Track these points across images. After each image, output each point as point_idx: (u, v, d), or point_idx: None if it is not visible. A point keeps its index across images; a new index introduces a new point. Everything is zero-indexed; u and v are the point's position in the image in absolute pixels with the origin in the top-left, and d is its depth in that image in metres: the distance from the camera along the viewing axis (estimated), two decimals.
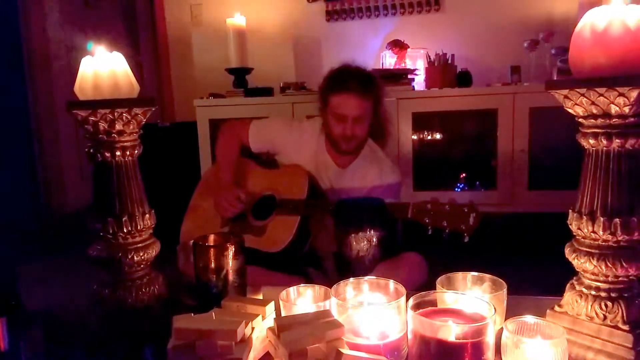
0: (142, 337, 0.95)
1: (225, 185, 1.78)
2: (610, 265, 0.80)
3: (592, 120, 0.80)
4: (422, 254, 1.65)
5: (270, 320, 0.92)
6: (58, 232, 3.06)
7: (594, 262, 0.82)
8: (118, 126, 0.96)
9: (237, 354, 0.79)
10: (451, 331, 0.73)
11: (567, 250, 0.87)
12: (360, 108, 1.71)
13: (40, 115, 3.11)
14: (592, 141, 0.81)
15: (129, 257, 1.00)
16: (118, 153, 0.98)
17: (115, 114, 0.95)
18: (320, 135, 1.84)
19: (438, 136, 2.98)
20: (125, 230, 0.99)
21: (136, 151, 1.02)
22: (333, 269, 1.67)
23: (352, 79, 1.73)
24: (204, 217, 1.85)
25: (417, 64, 3.04)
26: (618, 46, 0.74)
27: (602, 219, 0.80)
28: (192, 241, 1.08)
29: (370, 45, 3.25)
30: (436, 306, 0.83)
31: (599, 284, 0.83)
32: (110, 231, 0.98)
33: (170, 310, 0.91)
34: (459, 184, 2.87)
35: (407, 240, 1.70)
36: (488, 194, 2.75)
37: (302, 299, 0.95)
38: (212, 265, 1.03)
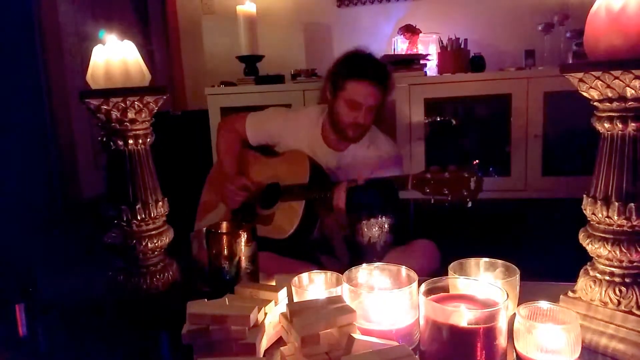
0: (157, 322, 0.96)
1: (230, 177, 1.79)
2: (625, 250, 0.80)
3: (608, 104, 0.78)
4: (434, 241, 1.65)
5: (282, 306, 0.93)
6: (73, 219, 3.10)
7: (609, 247, 0.81)
8: (130, 114, 0.97)
9: (250, 338, 0.80)
10: (463, 317, 0.73)
11: (581, 236, 0.87)
12: (376, 97, 1.68)
13: (54, 104, 3.14)
14: (607, 125, 0.79)
15: (143, 244, 1.01)
16: (131, 141, 0.99)
17: (127, 102, 0.95)
18: (317, 122, 1.82)
19: (451, 122, 2.95)
20: (139, 218, 1.00)
21: (148, 139, 1.02)
22: (345, 254, 1.67)
23: (370, 66, 1.68)
24: (216, 216, 1.87)
25: (429, 49, 3.00)
26: (634, 27, 0.73)
27: (617, 203, 0.79)
28: (204, 228, 1.09)
29: (381, 31, 3.21)
30: (448, 292, 0.83)
31: (613, 269, 0.83)
32: (125, 219, 1.00)
33: (185, 296, 0.92)
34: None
35: (419, 228, 1.69)
36: (502, 180, 2.73)
37: (314, 285, 0.96)
38: (225, 252, 1.04)
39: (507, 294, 0.75)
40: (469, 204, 1.28)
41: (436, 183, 1.33)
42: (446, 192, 1.32)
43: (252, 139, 1.89)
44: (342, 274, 0.90)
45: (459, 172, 1.32)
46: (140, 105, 0.97)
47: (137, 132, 1.00)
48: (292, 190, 1.67)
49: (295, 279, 0.94)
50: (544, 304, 0.80)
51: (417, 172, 1.42)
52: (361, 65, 1.69)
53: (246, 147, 1.92)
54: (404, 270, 0.90)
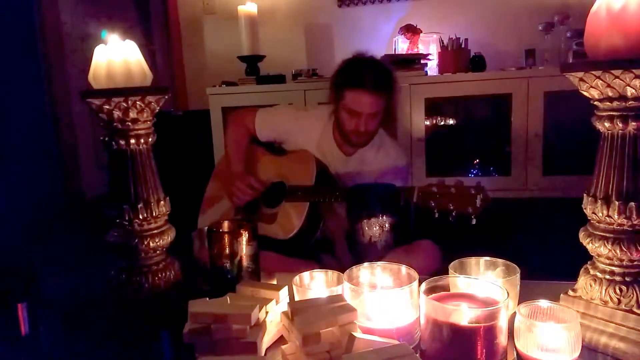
0: (159, 321, 0.97)
1: (237, 175, 1.79)
2: (625, 249, 0.80)
3: (608, 103, 0.79)
4: (435, 241, 1.65)
5: (284, 305, 0.93)
6: (75, 219, 3.11)
7: (609, 246, 0.81)
8: (132, 114, 0.97)
9: (251, 337, 0.80)
10: (464, 315, 0.73)
11: (581, 235, 0.87)
12: (375, 105, 1.66)
13: (56, 104, 3.15)
14: (607, 124, 0.80)
15: (145, 243, 1.01)
16: (132, 141, 0.99)
17: (129, 102, 0.96)
18: (328, 123, 1.82)
19: (451, 122, 2.95)
20: (140, 217, 1.00)
21: (150, 139, 1.03)
22: (346, 254, 1.67)
23: (368, 74, 1.65)
24: (219, 209, 1.87)
25: (430, 48, 3.01)
26: (635, 27, 0.73)
27: (617, 202, 0.79)
28: (206, 227, 1.09)
29: (382, 31, 3.21)
30: (449, 291, 0.84)
31: (613, 268, 0.83)
32: (126, 218, 1.00)
33: (186, 295, 0.93)
34: (472, 170, 2.85)
35: (420, 228, 1.69)
36: (502, 179, 2.73)
37: (315, 283, 0.96)
38: (227, 251, 1.04)
39: (508, 292, 0.76)
40: (474, 221, 1.27)
41: (442, 197, 1.32)
42: (451, 207, 1.31)
43: (261, 134, 1.88)
44: (343, 272, 0.91)
45: (466, 188, 1.30)
46: (142, 105, 0.97)
47: (139, 131, 1.00)
48: (297, 191, 1.67)
49: (297, 277, 0.95)
50: (544, 303, 0.80)
51: (421, 182, 1.41)
52: (359, 74, 1.66)
53: (254, 142, 1.92)
54: (404, 269, 0.90)
